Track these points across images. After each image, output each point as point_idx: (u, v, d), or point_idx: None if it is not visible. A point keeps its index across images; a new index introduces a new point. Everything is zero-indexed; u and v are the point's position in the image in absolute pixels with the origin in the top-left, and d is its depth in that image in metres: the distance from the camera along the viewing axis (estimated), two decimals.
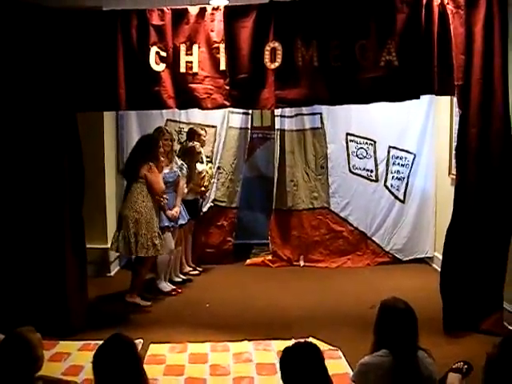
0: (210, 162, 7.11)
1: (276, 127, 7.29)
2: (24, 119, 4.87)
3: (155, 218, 5.55)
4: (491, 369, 2.31)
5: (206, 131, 6.85)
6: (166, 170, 5.86)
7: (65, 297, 4.89)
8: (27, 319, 3.98)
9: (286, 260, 7.18)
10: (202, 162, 6.63)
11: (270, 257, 7.26)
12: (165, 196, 5.73)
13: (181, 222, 6.18)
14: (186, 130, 6.96)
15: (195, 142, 6.49)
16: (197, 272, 6.81)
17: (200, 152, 6.52)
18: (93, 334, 4.75)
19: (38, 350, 2.72)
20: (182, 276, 6.53)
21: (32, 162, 4.88)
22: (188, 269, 6.77)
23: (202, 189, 6.61)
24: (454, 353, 4.12)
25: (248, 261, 7.31)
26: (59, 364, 4.28)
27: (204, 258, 7.13)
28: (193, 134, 6.64)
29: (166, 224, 5.85)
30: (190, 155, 6.37)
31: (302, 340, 2.68)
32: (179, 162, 6.19)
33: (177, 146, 6.69)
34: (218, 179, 7.23)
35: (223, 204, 7.26)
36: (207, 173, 6.66)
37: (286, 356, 2.53)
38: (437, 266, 6.73)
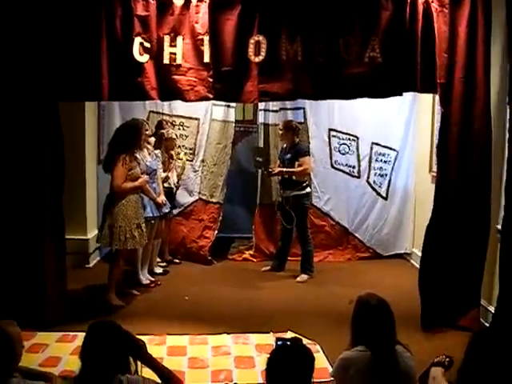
0: (193, 153, 7.13)
1: (259, 121, 7.30)
2: (5, 108, 4.80)
3: (140, 210, 5.42)
4: (464, 366, 2.37)
5: (171, 123, 6.84)
6: (149, 159, 5.80)
7: (43, 287, 4.84)
8: (4, 309, 3.98)
9: (268, 255, 7.15)
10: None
11: (252, 251, 7.26)
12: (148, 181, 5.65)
13: (164, 210, 6.15)
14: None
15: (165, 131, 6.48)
16: (177, 261, 6.97)
17: (169, 138, 6.44)
18: (71, 326, 4.73)
19: (18, 345, 2.64)
20: (162, 266, 6.58)
21: (12, 151, 4.81)
22: (169, 257, 6.90)
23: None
24: (431, 348, 4.17)
25: (230, 256, 7.29)
26: (37, 355, 4.25)
27: (178, 253, 7.10)
28: (160, 124, 6.63)
29: (149, 214, 5.80)
30: (159, 142, 6.33)
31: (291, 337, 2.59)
32: (155, 151, 6.16)
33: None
34: (202, 172, 7.19)
35: (204, 197, 7.19)
36: (179, 158, 6.63)
37: (277, 357, 2.41)
38: (415, 262, 6.81)
